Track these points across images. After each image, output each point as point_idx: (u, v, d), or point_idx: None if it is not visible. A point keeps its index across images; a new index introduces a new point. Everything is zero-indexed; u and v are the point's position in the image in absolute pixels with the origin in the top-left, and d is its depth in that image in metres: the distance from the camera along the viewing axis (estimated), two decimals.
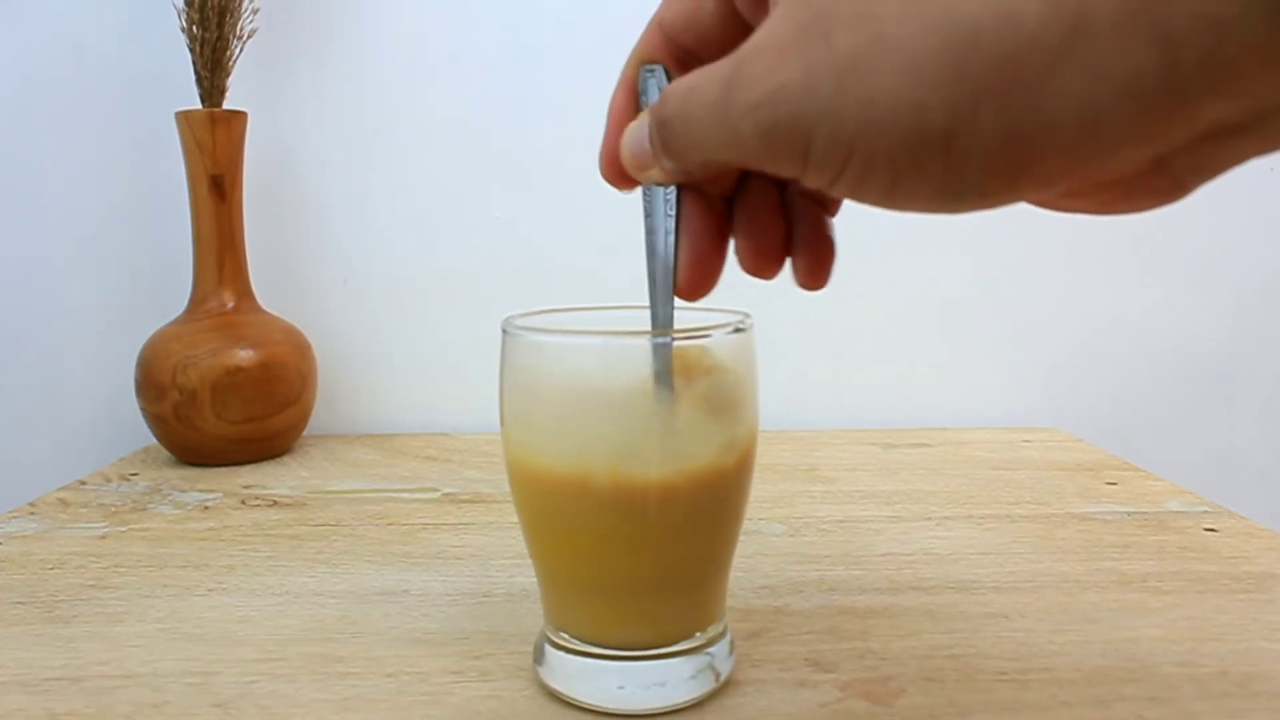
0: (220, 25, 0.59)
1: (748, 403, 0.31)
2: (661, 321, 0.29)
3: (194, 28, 0.59)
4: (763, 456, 0.33)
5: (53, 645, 0.36)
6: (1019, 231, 0.72)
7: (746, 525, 0.33)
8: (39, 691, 0.33)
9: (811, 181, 0.21)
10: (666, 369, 0.29)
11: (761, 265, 0.28)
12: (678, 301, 0.30)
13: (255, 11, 0.62)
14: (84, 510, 0.52)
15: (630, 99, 0.28)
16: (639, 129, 0.26)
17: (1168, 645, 0.36)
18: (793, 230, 0.28)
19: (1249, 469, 0.76)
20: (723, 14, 0.26)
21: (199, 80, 0.60)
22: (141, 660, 0.35)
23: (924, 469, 0.60)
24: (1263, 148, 0.18)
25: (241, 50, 0.61)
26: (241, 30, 0.61)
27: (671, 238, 0.28)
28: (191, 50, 0.60)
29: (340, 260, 0.71)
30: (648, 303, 0.29)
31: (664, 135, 0.24)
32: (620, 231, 0.57)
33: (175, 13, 0.60)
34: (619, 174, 0.28)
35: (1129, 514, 0.51)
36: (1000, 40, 0.17)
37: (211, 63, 0.60)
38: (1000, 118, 0.17)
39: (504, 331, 0.31)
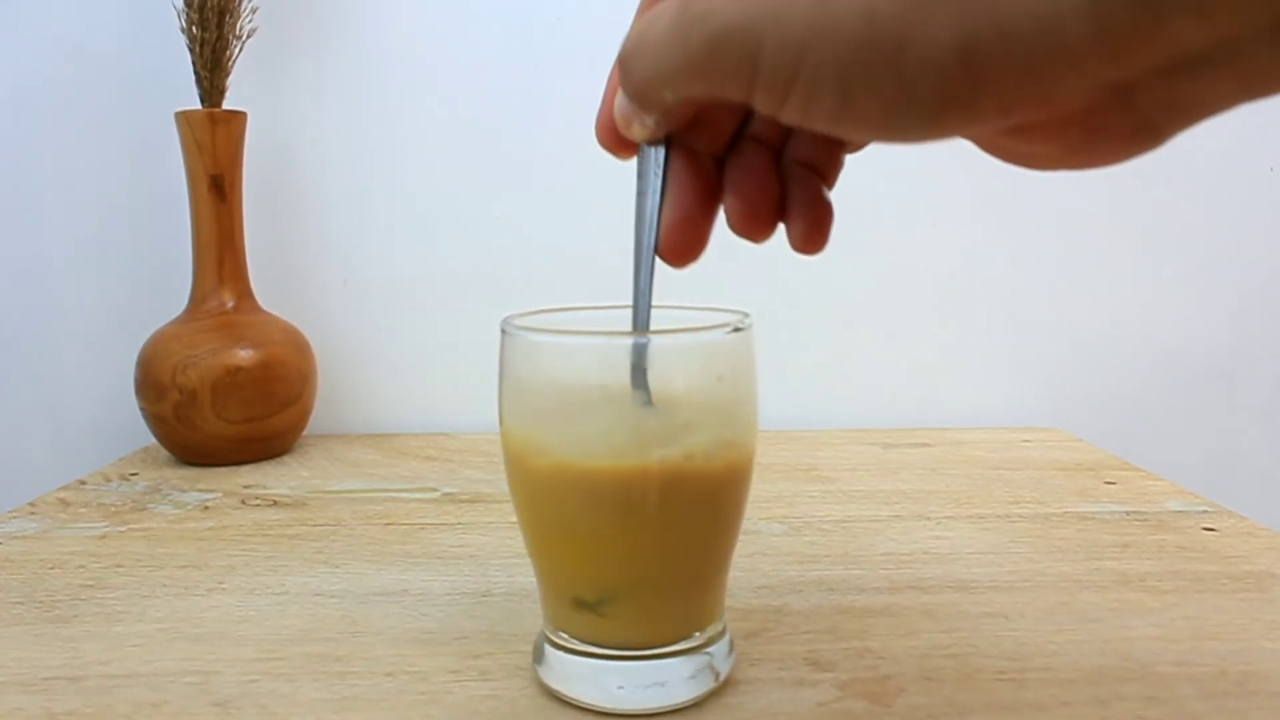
0: (220, 25, 0.59)
1: (747, 402, 0.31)
2: (642, 288, 0.29)
3: (194, 28, 0.59)
4: (763, 456, 0.33)
5: (53, 645, 0.36)
6: (1019, 230, 0.72)
7: (746, 525, 0.33)
8: (39, 691, 0.33)
9: (761, 104, 0.20)
10: (642, 364, 0.28)
11: (752, 226, 0.27)
12: (676, 300, 0.30)
13: (255, 11, 0.62)
14: (84, 510, 0.52)
15: None
16: None
17: (1166, 645, 0.36)
18: (788, 193, 0.28)
19: (1249, 469, 0.76)
20: None
21: (199, 80, 0.60)
22: (141, 660, 0.35)
23: (924, 469, 0.60)
24: (1240, 90, 0.17)
25: (241, 50, 0.61)
26: (241, 30, 0.61)
27: (657, 197, 0.28)
28: (191, 50, 0.60)
29: (340, 260, 0.71)
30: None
31: (624, 72, 0.24)
32: (621, 231, 0.57)
33: (175, 13, 0.60)
34: (614, 138, 0.28)
35: (1128, 514, 0.51)
36: None
37: (211, 63, 0.60)
38: (955, 24, 0.16)
39: (503, 331, 0.31)
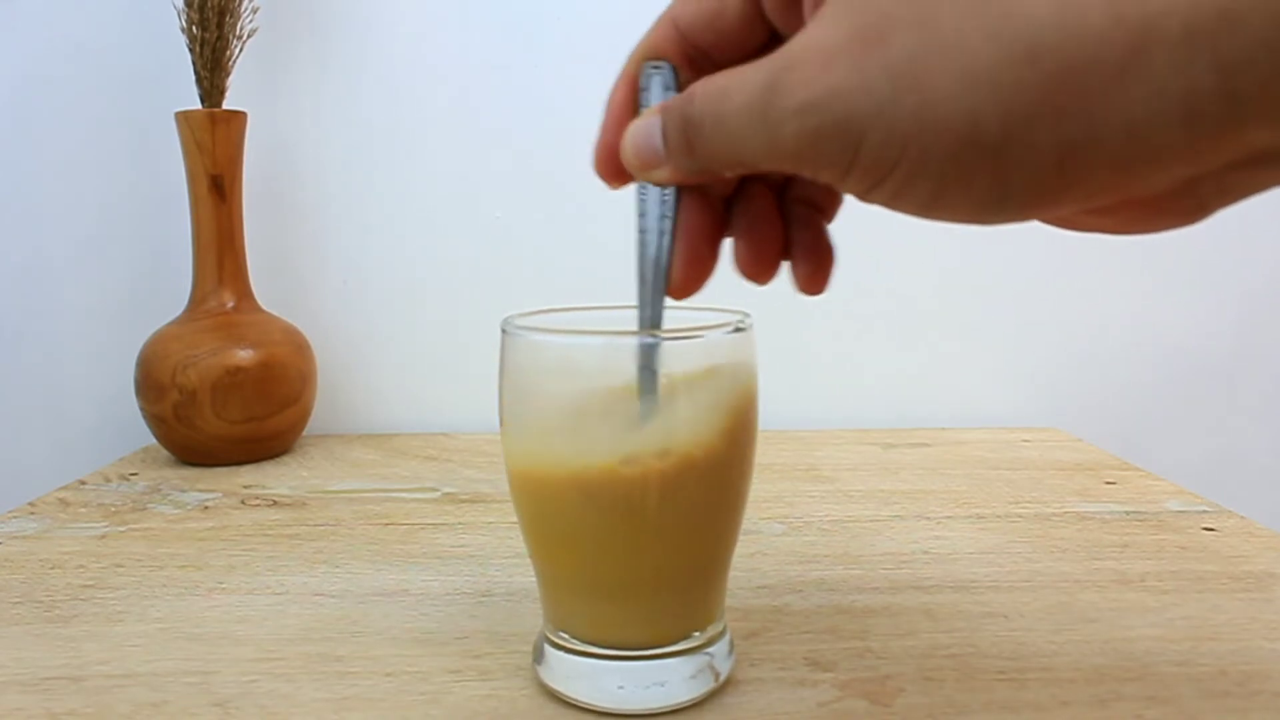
0: (220, 25, 0.59)
1: (747, 402, 0.31)
2: (650, 321, 0.29)
3: (194, 28, 0.59)
4: (763, 456, 0.33)
5: (53, 645, 0.36)
6: (1019, 232, 0.72)
7: (746, 525, 0.33)
8: (39, 691, 0.33)
9: (850, 187, 0.20)
10: (652, 368, 0.29)
11: (758, 269, 0.28)
12: (675, 300, 0.30)
13: (255, 11, 0.62)
14: (84, 510, 0.52)
15: (632, 94, 0.28)
16: (647, 126, 0.25)
17: (1166, 644, 0.36)
18: (791, 235, 0.28)
19: (1249, 469, 0.76)
20: (748, 16, 0.25)
21: (199, 80, 0.60)
22: (141, 660, 0.35)
23: (924, 469, 0.60)
24: None
25: (241, 50, 0.61)
26: (241, 30, 0.61)
27: (667, 238, 0.28)
28: (191, 50, 0.60)
29: (340, 260, 0.71)
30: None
31: (690, 135, 0.23)
32: (621, 232, 0.57)
33: (175, 13, 0.60)
34: (614, 170, 0.27)
35: (1128, 514, 0.51)
36: (1061, 54, 0.17)
37: (211, 63, 0.60)
38: (1054, 132, 0.17)
39: (503, 331, 0.31)
